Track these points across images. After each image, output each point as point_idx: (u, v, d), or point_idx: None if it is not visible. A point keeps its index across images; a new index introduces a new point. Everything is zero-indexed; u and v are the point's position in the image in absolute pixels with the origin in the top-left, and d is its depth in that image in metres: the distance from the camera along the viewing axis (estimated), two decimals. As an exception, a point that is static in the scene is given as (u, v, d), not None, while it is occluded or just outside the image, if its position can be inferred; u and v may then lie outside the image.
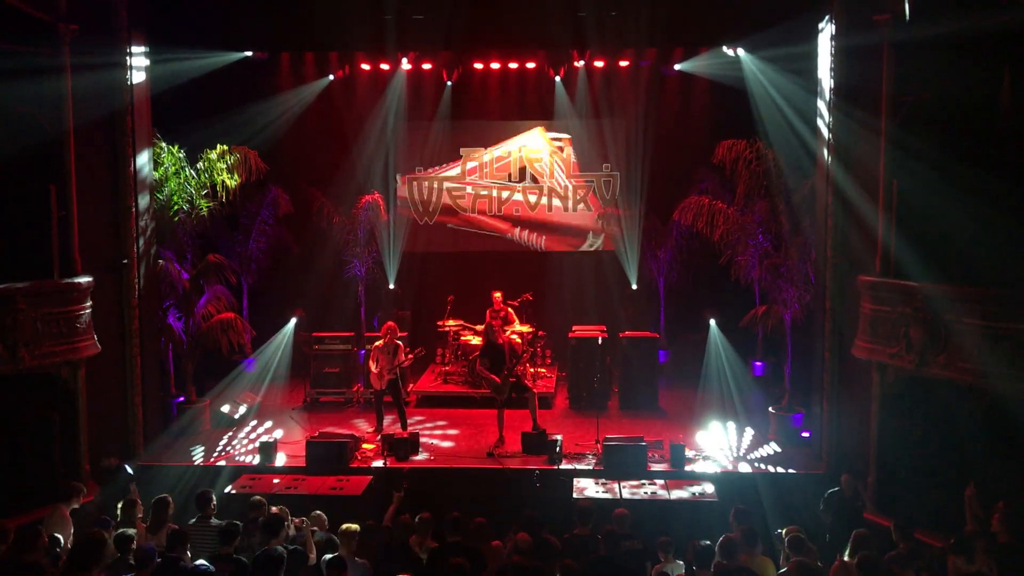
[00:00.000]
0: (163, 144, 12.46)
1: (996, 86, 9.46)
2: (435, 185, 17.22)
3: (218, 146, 13.02)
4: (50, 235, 10.64)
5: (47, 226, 10.63)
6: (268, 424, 12.75)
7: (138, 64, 11.61)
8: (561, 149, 16.86)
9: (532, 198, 17.05)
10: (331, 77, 16.23)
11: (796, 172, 12.28)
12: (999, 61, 9.40)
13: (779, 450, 11.62)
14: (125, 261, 11.49)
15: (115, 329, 11.44)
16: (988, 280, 9.22)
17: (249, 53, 14.17)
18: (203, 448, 11.97)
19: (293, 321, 14.94)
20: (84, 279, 10.84)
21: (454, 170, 17.13)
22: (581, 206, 16.93)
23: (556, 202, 16.99)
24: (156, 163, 12.38)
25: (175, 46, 12.12)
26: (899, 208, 10.21)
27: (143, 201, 11.83)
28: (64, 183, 10.75)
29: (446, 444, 12.26)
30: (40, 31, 10.39)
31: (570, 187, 16.96)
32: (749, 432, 11.82)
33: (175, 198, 12.49)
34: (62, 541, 7.59)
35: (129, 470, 9.76)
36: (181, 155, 12.57)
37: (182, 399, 13.06)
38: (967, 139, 9.63)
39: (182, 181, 12.51)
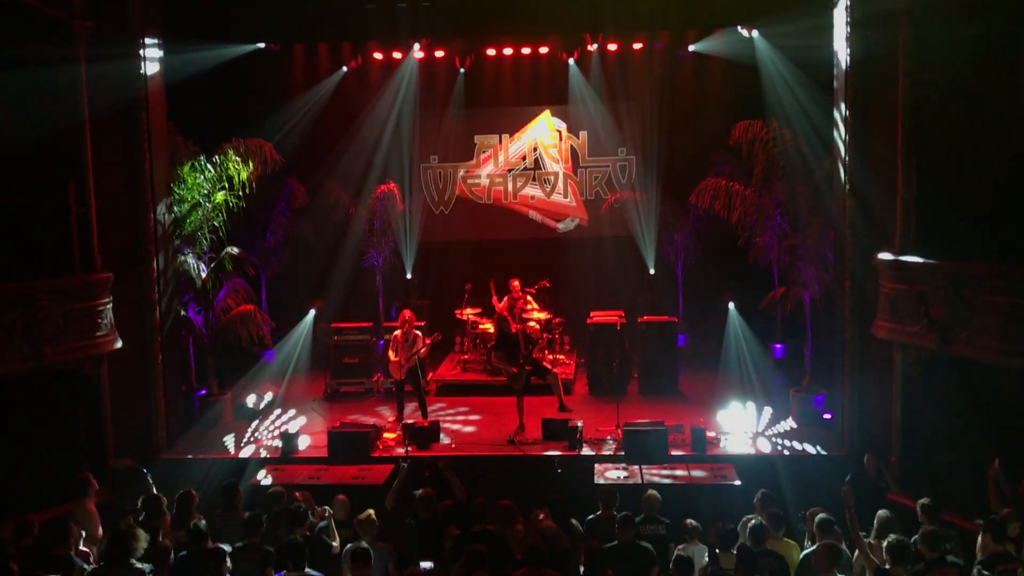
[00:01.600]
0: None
1: (1017, 53, 9.33)
2: (450, 173, 17.23)
3: (233, 139, 13.09)
4: (70, 231, 10.71)
5: (66, 223, 10.70)
6: (290, 415, 12.81)
7: (153, 59, 11.63)
8: (575, 135, 16.83)
9: (548, 184, 17.03)
10: (344, 69, 16.24)
11: (814, 152, 12.19)
12: (1019, 26, 9.26)
13: (795, 426, 11.58)
14: (144, 256, 11.55)
15: (136, 324, 11.51)
16: (1010, 256, 9.14)
17: (262, 45, 14.20)
18: (226, 440, 12.02)
19: (312, 312, 15.00)
20: (104, 274, 10.91)
21: (468, 157, 17.15)
22: (597, 190, 16.90)
23: (572, 186, 16.98)
24: (175, 163, 12.44)
25: (189, 40, 12.17)
26: (918, 185, 10.11)
27: (162, 196, 11.88)
28: (82, 179, 10.81)
29: (467, 430, 12.32)
30: (56, 29, 10.43)
31: (586, 172, 16.93)
32: (768, 411, 11.76)
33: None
34: (83, 535, 7.66)
35: (143, 469, 9.80)
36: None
37: (204, 392, 13.13)
38: (987, 111, 9.52)
39: (200, 181, 12.56)
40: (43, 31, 10.33)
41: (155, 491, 8.71)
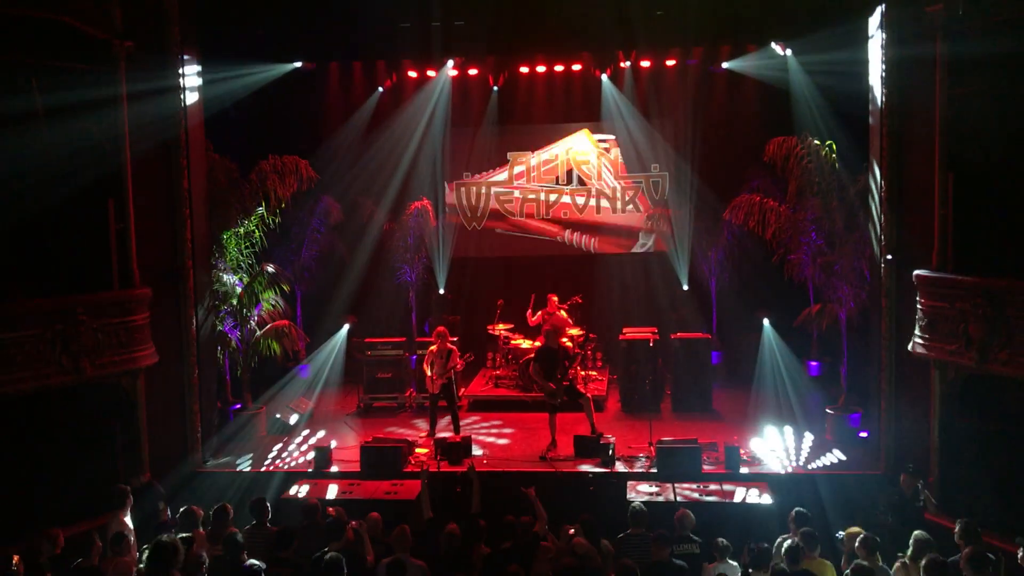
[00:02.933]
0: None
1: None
2: (483, 190, 17.29)
3: (270, 156, 13.29)
4: (109, 248, 10.88)
5: (106, 239, 10.87)
6: (322, 430, 12.88)
7: (191, 79, 11.79)
8: (608, 150, 16.83)
9: (580, 200, 17.03)
10: (380, 90, 16.43)
11: (849, 167, 12.11)
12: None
13: (843, 458, 11.30)
14: (181, 272, 11.69)
15: (173, 338, 11.64)
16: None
17: (298, 64, 14.39)
18: (259, 454, 12.12)
19: (346, 327, 15.10)
20: (142, 290, 11.05)
21: (501, 175, 17.19)
22: (630, 207, 16.87)
23: (604, 203, 16.96)
24: (212, 182, 12.63)
25: (227, 59, 12.36)
26: (956, 201, 9.99)
27: (200, 213, 12.04)
28: (121, 197, 10.97)
29: (500, 445, 12.30)
30: (97, 49, 10.63)
31: (618, 188, 16.91)
32: (808, 438, 11.61)
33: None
34: (132, 538, 7.80)
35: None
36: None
37: (238, 406, 13.25)
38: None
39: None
40: (84, 51, 10.52)
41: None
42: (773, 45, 13.89)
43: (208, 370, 12.34)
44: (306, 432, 12.91)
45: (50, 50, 10.22)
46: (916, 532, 7.45)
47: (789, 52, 13.79)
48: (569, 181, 17.03)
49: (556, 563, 7.40)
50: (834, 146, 12.19)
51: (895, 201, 10.79)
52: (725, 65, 15.41)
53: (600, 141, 16.80)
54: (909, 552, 7.34)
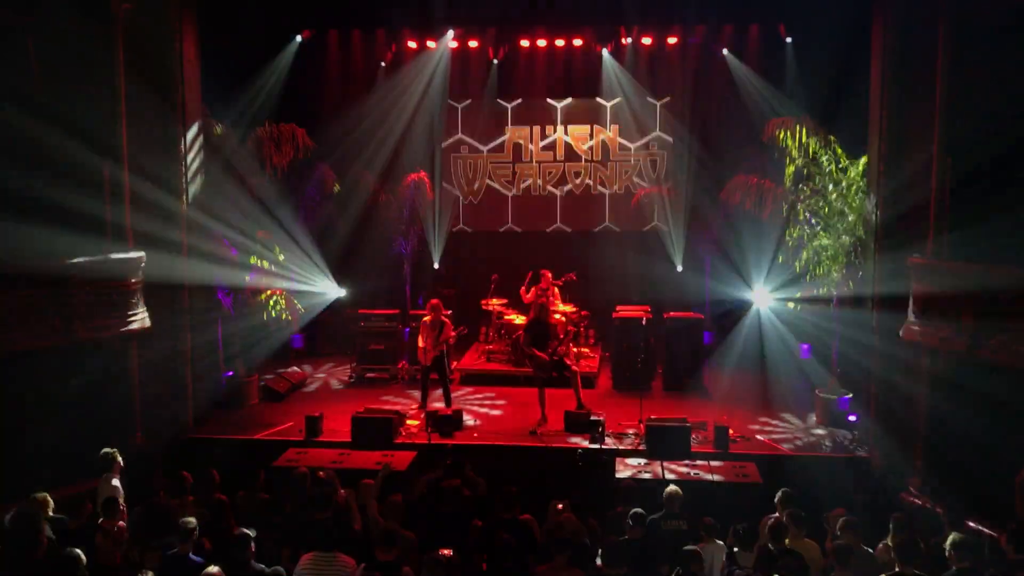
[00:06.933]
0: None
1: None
2: (480, 164, 17.23)
3: (266, 123, 13.20)
4: (103, 211, 10.82)
5: (100, 202, 10.81)
6: (313, 398, 12.89)
7: (189, 41, 11.72)
8: (606, 127, 16.78)
9: (577, 176, 16.99)
10: (383, 64, 16.35)
11: (847, 150, 12.09)
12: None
13: (849, 434, 11.32)
14: (176, 237, 11.65)
15: (166, 304, 11.60)
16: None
17: (299, 38, 14.30)
18: (251, 422, 12.14)
19: (334, 294, 15.09)
20: (136, 254, 11.00)
21: (499, 149, 17.14)
22: (627, 185, 16.83)
23: (601, 180, 16.92)
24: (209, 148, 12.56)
25: (225, 25, 12.26)
26: (953, 187, 9.98)
27: (195, 178, 11.97)
28: (116, 159, 10.90)
29: (490, 420, 12.33)
30: (94, 8, 10.53)
31: (616, 165, 16.86)
32: (797, 419, 11.67)
33: None
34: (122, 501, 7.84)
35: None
36: None
37: (231, 373, 13.25)
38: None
39: None
40: (81, 10, 10.41)
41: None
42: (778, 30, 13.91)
43: (201, 337, 12.33)
44: (298, 400, 12.91)
45: (46, 9, 10.11)
46: (895, 514, 7.50)
47: (790, 40, 13.77)
48: (567, 157, 16.98)
49: (544, 538, 7.44)
50: (833, 131, 12.16)
51: (892, 185, 10.79)
52: (725, 52, 15.37)
53: (599, 130, 16.80)
54: (891, 534, 7.39)
